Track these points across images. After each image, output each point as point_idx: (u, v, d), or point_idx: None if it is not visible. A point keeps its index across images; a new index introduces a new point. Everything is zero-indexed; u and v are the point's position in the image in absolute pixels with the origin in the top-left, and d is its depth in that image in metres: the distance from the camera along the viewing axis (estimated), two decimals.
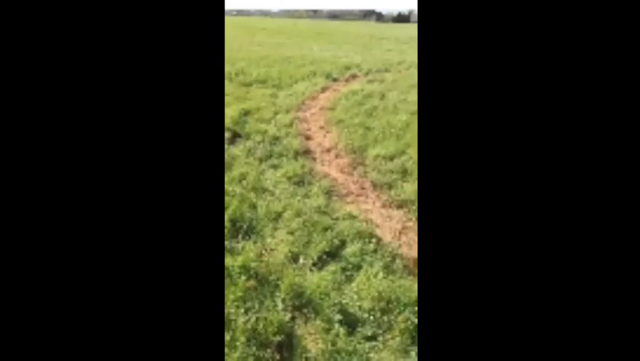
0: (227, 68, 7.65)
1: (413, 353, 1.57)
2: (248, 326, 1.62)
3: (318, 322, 1.70)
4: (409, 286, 1.91)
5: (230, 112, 4.66)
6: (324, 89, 6.84)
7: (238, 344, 1.55)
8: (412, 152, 3.63)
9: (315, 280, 1.93)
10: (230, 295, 1.79)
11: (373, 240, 2.31)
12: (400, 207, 2.83)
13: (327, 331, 1.66)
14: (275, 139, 4.02)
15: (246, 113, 4.85)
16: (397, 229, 2.54)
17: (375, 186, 3.15)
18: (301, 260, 2.13)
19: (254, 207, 2.64)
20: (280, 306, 1.77)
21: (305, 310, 1.78)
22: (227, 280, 1.90)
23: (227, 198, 2.67)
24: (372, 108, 5.35)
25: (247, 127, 4.31)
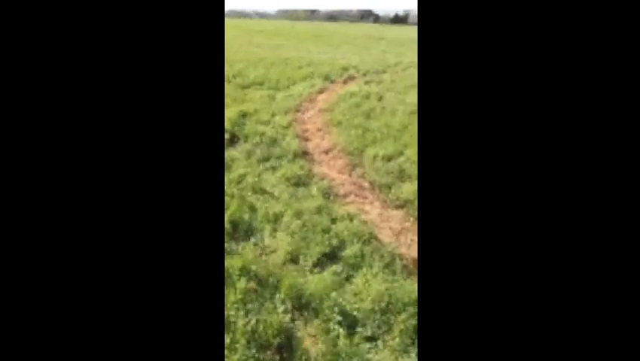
0: (225, 69, 7.65)
1: (413, 354, 1.57)
2: (248, 327, 1.62)
3: (317, 323, 1.70)
4: (408, 287, 1.91)
5: (229, 114, 4.65)
6: (321, 91, 6.84)
7: (238, 346, 1.55)
8: (411, 152, 3.64)
9: (314, 282, 1.93)
10: (230, 296, 1.79)
11: (373, 241, 2.31)
12: (399, 207, 2.83)
13: (327, 332, 1.66)
14: (274, 141, 4.02)
15: (244, 115, 4.85)
16: (397, 230, 2.54)
17: (374, 186, 3.15)
18: (301, 261, 2.13)
19: (253, 208, 2.64)
20: (280, 308, 1.77)
21: (305, 312, 1.78)
22: (226, 282, 1.90)
23: (226, 200, 2.66)
24: (370, 109, 5.35)
25: (245, 129, 4.31)
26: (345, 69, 8.98)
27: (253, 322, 1.65)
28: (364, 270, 2.04)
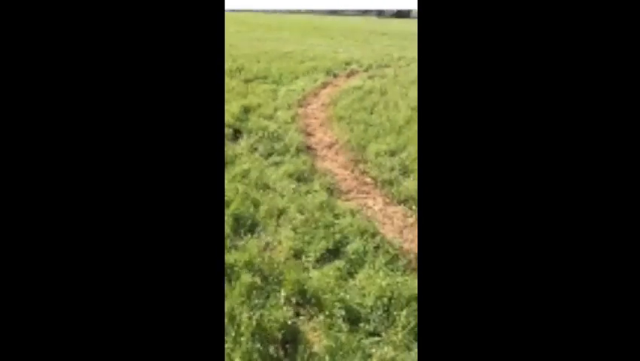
0: (228, 64, 7.63)
1: (416, 349, 1.59)
2: (253, 322, 1.63)
3: (321, 318, 1.72)
4: (411, 282, 1.92)
5: (232, 108, 4.65)
6: (324, 85, 6.81)
7: (242, 340, 1.56)
8: (414, 148, 3.63)
9: (318, 277, 1.94)
10: (235, 291, 1.80)
11: (376, 236, 2.32)
12: (401, 203, 2.83)
13: (331, 327, 1.67)
14: (277, 136, 4.01)
15: (247, 109, 4.84)
16: (400, 225, 2.54)
17: (376, 182, 3.15)
18: (304, 257, 2.14)
19: (256, 204, 2.65)
20: (284, 302, 1.78)
21: (308, 307, 1.79)
22: (231, 277, 1.91)
23: (229, 195, 2.67)
24: (373, 104, 5.33)
25: (249, 124, 4.31)
26: (348, 63, 8.94)
27: (257, 316, 1.66)
28: (368, 265, 2.05)
